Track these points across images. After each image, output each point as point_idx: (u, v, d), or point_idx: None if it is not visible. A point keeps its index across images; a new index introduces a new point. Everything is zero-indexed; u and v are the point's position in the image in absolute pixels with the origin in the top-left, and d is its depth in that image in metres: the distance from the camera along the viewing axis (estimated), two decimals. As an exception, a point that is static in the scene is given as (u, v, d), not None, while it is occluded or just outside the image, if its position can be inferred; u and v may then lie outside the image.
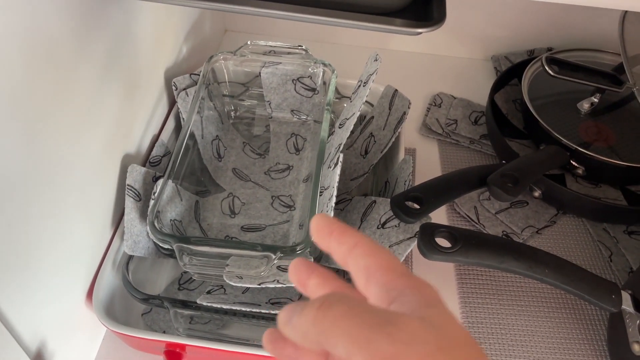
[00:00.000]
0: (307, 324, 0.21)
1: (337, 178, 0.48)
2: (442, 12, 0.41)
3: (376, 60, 0.56)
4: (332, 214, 0.46)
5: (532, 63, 0.72)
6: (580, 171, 0.64)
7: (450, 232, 0.47)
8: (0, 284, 0.35)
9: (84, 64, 0.43)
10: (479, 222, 0.64)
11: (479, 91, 0.79)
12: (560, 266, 0.47)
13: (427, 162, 0.72)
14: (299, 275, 0.26)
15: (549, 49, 0.82)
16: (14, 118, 0.34)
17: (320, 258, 0.51)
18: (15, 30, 0.33)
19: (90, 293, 0.48)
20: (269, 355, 0.45)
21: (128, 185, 0.51)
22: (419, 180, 0.55)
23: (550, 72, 0.64)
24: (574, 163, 0.63)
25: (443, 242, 0.47)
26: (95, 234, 0.49)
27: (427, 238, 0.46)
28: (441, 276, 0.60)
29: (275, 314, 0.47)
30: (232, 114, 0.68)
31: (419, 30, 0.41)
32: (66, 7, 0.39)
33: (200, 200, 0.59)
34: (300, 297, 0.54)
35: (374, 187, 0.62)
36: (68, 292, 0.46)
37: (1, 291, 0.35)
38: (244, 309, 0.47)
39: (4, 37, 0.32)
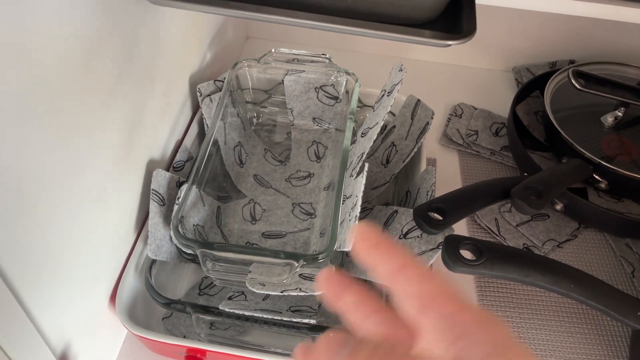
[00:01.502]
0: None
1: (362, 187, 0.48)
2: (473, 24, 0.41)
3: (401, 70, 0.56)
4: (356, 223, 0.46)
5: (555, 75, 0.71)
6: (603, 185, 0.63)
7: (475, 244, 0.47)
8: (30, 286, 0.35)
9: (113, 70, 0.43)
10: (499, 234, 0.63)
11: (499, 102, 0.79)
12: (586, 281, 0.46)
13: (447, 173, 0.72)
14: (333, 287, 0.24)
15: (572, 61, 0.82)
16: (48, 124, 0.35)
17: (342, 267, 0.51)
18: (55, 34, 0.34)
19: (113, 296, 0.49)
20: (289, 363, 0.45)
21: (153, 189, 0.52)
22: (439, 190, 0.55)
23: (577, 85, 0.63)
24: (596, 177, 0.63)
25: (467, 255, 0.47)
26: (119, 237, 0.49)
27: (452, 250, 0.46)
28: (461, 288, 0.59)
29: (297, 322, 0.47)
30: (254, 120, 0.69)
31: (449, 42, 0.41)
32: (100, 13, 0.40)
33: (222, 206, 0.59)
34: (320, 306, 0.54)
35: (395, 196, 0.61)
36: (92, 294, 0.46)
37: (30, 294, 0.35)
38: (265, 316, 0.47)
39: (45, 41, 0.33)
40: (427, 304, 0.20)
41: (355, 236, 0.23)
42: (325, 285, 0.24)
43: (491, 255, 0.46)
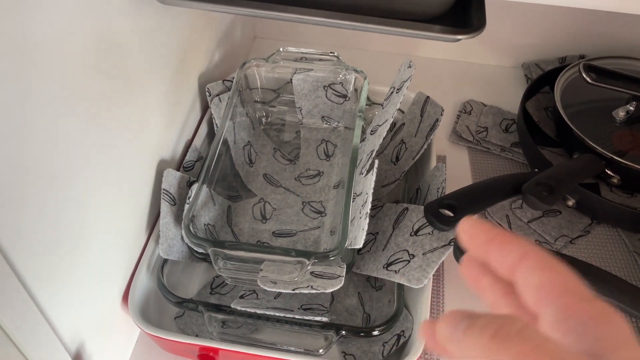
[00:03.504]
0: (476, 348, 0.18)
1: (372, 184, 0.48)
2: (482, 19, 0.41)
3: (410, 67, 0.56)
4: (367, 220, 0.46)
5: (565, 70, 0.71)
6: (615, 180, 0.62)
7: (486, 240, 0.46)
8: (44, 287, 0.35)
9: (123, 71, 0.44)
10: (511, 230, 0.63)
11: (509, 99, 0.79)
12: (601, 277, 0.46)
13: (457, 170, 0.71)
14: (473, 271, 0.24)
15: (582, 57, 0.81)
16: (60, 127, 0.35)
17: (353, 265, 0.51)
18: (67, 33, 0.34)
19: (125, 296, 0.49)
20: (301, 361, 0.45)
21: (164, 189, 0.52)
22: (450, 187, 0.55)
23: (588, 79, 0.63)
24: (609, 172, 0.62)
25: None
26: (130, 237, 0.49)
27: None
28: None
29: (309, 320, 0.47)
30: (263, 120, 0.69)
31: (459, 37, 0.41)
32: (112, 14, 0.40)
33: (232, 205, 0.59)
34: (332, 303, 0.54)
35: (405, 194, 0.61)
36: (105, 294, 0.46)
37: (45, 294, 0.36)
38: (277, 314, 0.47)
39: (59, 40, 0.33)
40: (544, 294, 0.20)
41: (462, 234, 0.23)
42: (466, 270, 0.24)
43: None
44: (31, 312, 0.34)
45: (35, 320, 0.35)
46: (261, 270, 0.47)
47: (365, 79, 0.62)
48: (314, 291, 0.46)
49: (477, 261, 0.23)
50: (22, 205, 0.32)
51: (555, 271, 0.20)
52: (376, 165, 0.49)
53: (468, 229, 0.22)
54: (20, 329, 0.32)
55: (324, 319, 0.47)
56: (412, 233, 0.52)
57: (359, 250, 0.55)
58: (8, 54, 0.29)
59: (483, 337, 0.18)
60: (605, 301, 0.44)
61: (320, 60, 0.64)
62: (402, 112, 0.66)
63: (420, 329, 0.24)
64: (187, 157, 0.59)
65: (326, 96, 0.65)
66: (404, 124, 0.64)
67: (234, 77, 0.63)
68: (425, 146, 0.60)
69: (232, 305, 0.48)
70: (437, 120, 0.61)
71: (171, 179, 0.53)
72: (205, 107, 0.66)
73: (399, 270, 0.50)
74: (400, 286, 0.50)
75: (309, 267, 0.47)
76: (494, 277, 0.23)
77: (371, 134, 0.56)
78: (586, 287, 0.20)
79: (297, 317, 0.47)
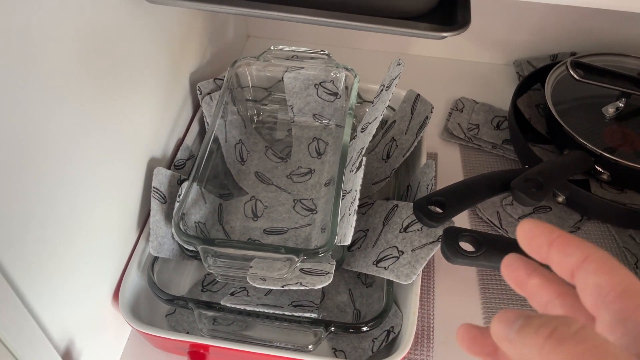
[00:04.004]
0: (531, 348, 0.18)
1: (360, 181, 0.48)
2: (467, 16, 0.41)
3: (399, 64, 0.56)
4: (354, 217, 0.46)
5: (555, 67, 0.71)
6: (605, 176, 0.63)
7: (474, 236, 0.47)
8: (31, 283, 0.36)
9: (112, 68, 0.44)
10: (501, 227, 0.63)
11: (500, 96, 0.79)
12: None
13: (448, 167, 0.71)
14: (517, 273, 0.23)
15: (573, 54, 0.82)
16: (50, 125, 0.35)
17: (342, 262, 0.51)
18: (55, 31, 0.35)
19: (116, 293, 0.49)
20: (291, 357, 0.45)
21: (154, 187, 0.52)
22: (441, 185, 0.55)
23: (575, 76, 0.63)
24: (598, 168, 0.62)
25: (467, 246, 0.47)
26: (121, 235, 0.50)
27: (450, 242, 0.46)
28: (463, 281, 0.60)
29: (299, 316, 0.47)
30: (255, 118, 0.69)
31: (444, 34, 0.41)
32: (100, 11, 0.40)
33: (224, 203, 0.59)
34: (322, 300, 0.55)
35: (395, 191, 0.62)
36: (95, 292, 0.46)
37: (33, 291, 0.36)
38: (267, 310, 0.48)
39: (46, 37, 0.34)
40: (601, 297, 0.20)
41: (521, 236, 0.22)
42: (509, 272, 0.24)
43: (490, 246, 0.46)
44: (18, 310, 0.34)
45: (22, 318, 0.35)
46: (251, 267, 0.47)
47: (355, 76, 0.62)
48: (303, 287, 0.46)
49: (521, 263, 0.23)
50: (10, 202, 0.32)
51: (616, 273, 0.20)
52: (364, 162, 0.49)
53: (529, 230, 0.22)
54: (6, 327, 0.32)
55: (313, 316, 0.48)
56: (402, 230, 0.52)
57: (350, 247, 0.55)
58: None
59: (539, 337, 0.18)
60: None
61: (312, 58, 0.64)
62: (393, 109, 0.66)
63: (458, 332, 0.23)
64: (179, 156, 0.59)
65: (317, 94, 0.65)
66: (394, 121, 0.64)
67: (225, 76, 0.63)
68: (416, 143, 0.60)
69: (222, 302, 0.48)
70: (427, 117, 0.61)
71: (161, 177, 0.53)
72: (196, 106, 0.66)
73: (388, 267, 0.50)
74: (390, 282, 0.51)
75: (298, 264, 0.47)
76: (544, 278, 0.23)
77: (361, 132, 0.57)
78: None
79: (286, 313, 0.48)
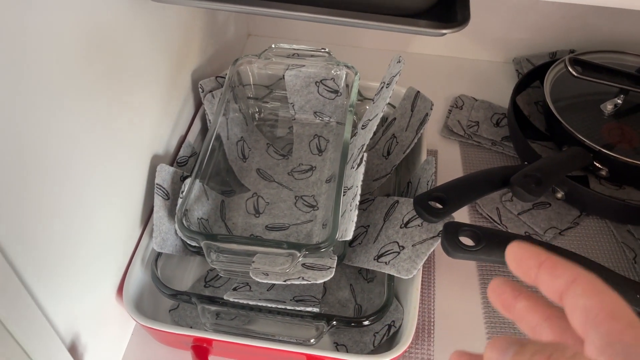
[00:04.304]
0: None
1: (361, 177, 0.48)
2: (466, 13, 0.42)
3: (399, 62, 0.56)
4: (356, 212, 0.47)
5: (554, 65, 0.72)
6: (603, 172, 0.63)
7: (473, 230, 0.47)
8: (41, 280, 0.36)
9: (116, 66, 0.44)
10: (501, 223, 0.64)
11: (500, 93, 0.80)
12: (584, 265, 0.47)
13: (448, 164, 0.72)
14: (503, 296, 0.24)
15: (571, 51, 0.82)
16: (52, 122, 0.36)
17: (344, 257, 0.52)
18: (58, 30, 0.35)
19: (120, 289, 0.50)
20: (293, 350, 0.46)
21: (157, 184, 0.53)
22: (442, 181, 0.55)
23: (573, 73, 0.64)
24: (597, 164, 0.63)
25: (467, 241, 0.48)
26: (125, 231, 0.50)
27: (450, 236, 0.47)
28: (463, 275, 0.60)
29: (301, 311, 0.48)
30: (256, 115, 0.70)
31: (444, 31, 0.41)
32: (103, 10, 0.41)
33: (226, 200, 0.60)
34: (324, 295, 0.55)
35: (396, 187, 0.62)
36: (100, 287, 0.47)
37: (41, 286, 0.36)
38: (269, 305, 0.48)
39: (47, 36, 0.34)
40: (589, 319, 0.20)
41: (511, 258, 0.23)
42: (496, 296, 0.24)
43: (489, 241, 0.47)
44: (28, 305, 0.35)
45: (32, 313, 0.35)
46: (253, 262, 0.48)
47: (356, 74, 0.62)
48: (305, 282, 0.47)
49: (508, 286, 0.24)
50: (18, 198, 0.33)
51: (604, 296, 0.20)
52: (365, 158, 0.50)
53: (518, 252, 0.23)
54: (15, 320, 0.33)
55: (315, 310, 0.48)
56: (402, 225, 0.53)
57: (351, 242, 0.55)
58: (2, 52, 0.30)
59: None
60: None
61: (312, 56, 0.64)
62: (394, 107, 0.67)
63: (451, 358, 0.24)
64: (181, 153, 0.60)
65: (318, 92, 0.66)
66: (395, 118, 0.65)
67: (226, 74, 0.64)
68: (416, 140, 0.61)
69: (225, 297, 0.49)
70: (427, 114, 0.61)
71: (164, 173, 0.54)
72: (198, 104, 0.67)
73: (389, 262, 0.51)
74: (391, 277, 0.51)
75: (300, 259, 0.47)
76: (532, 301, 0.23)
77: (362, 129, 0.57)
78: (634, 314, 0.20)
79: (288, 308, 0.48)
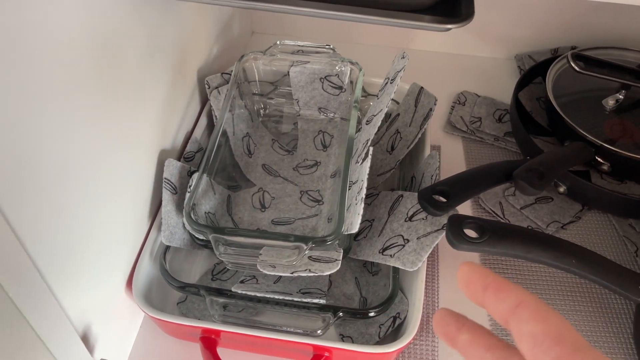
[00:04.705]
0: None
1: (367, 171, 0.49)
2: (471, 8, 0.42)
3: (403, 57, 0.57)
4: (362, 205, 0.48)
5: (556, 61, 0.72)
6: (605, 167, 0.64)
7: (478, 223, 0.48)
8: (55, 272, 0.37)
9: (126, 64, 0.45)
10: (504, 217, 0.65)
11: (502, 90, 0.80)
12: (586, 257, 0.47)
13: (451, 159, 0.73)
14: (447, 329, 0.24)
15: (573, 48, 0.83)
16: (67, 117, 0.37)
17: (349, 250, 0.52)
18: (72, 27, 0.36)
19: (129, 281, 0.51)
20: (300, 341, 0.47)
21: (165, 178, 0.53)
22: (445, 176, 0.56)
23: (576, 68, 0.64)
24: (599, 159, 0.64)
25: (471, 233, 0.48)
26: (133, 225, 0.51)
27: (455, 229, 0.48)
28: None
29: (307, 302, 0.49)
30: (262, 112, 0.70)
31: (449, 26, 0.42)
32: (114, 9, 0.42)
33: (232, 195, 0.61)
34: (329, 288, 0.56)
35: (400, 182, 0.63)
36: (109, 280, 0.48)
37: (55, 279, 0.37)
38: (276, 297, 0.49)
39: (66, 34, 0.35)
40: (537, 345, 0.20)
41: (460, 280, 0.23)
42: (440, 327, 0.24)
43: (494, 233, 0.47)
44: (46, 298, 0.36)
45: (50, 306, 0.36)
46: (260, 254, 0.49)
47: (360, 70, 0.63)
48: (312, 274, 0.47)
49: (452, 318, 0.24)
50: (36, 195, 0.34)
51: (550, 320, 0.20)
52: (371, 151, 0.50)
53: (465, 274, 0.23)
54: (35, 313, 0.34)
55: (322, 302, 0.49)
56: (407, 219, 0.54)
57: (356, 236, 0.56)
58: (8, 49, 0.31)
59: None
60: (593, 281, 0.45)
61: (317, 52, 0.65)
62: (397, 102, 0.67)
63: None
64: (188, 148, 0.61)
65: (322, 88, 0.67)
66: (398, 114, 0.66)
67: (232, 70, 0.64)
68: (420, 135, 0.62)
69: (233, 289, 0.50)
70: (430, 110, 0.62)
71: (172, 168, 0.54)
72: (204, 100, 0.67)
73: (394, 255, 0.51)
74: (396, 270, 0.52)
75: (307, 252, 0.48)
76: (474, 333, 0.23)
77: (366, 124, 0.58)
78: (580, 337, 0.20)
79: (295, 299, 0.49)
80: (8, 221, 0.31)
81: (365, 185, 0.49)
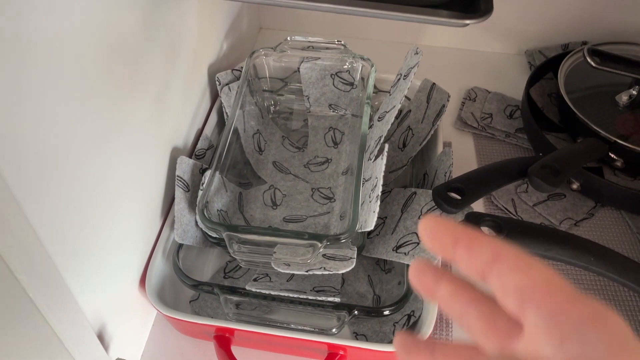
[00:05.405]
0: None
1: (382, 168, 0.49)
2: (489, 4, 0.42)
3: (417, 53, 0.57)
4: (377, 203, 0.47)
5: (568, 56, 0.72)
6: (619, 164, 0.64)
7: (495, 220, 0.48)
8: (72, 271, 0.37)
9: (137, 61, 0.45)
10: (516, 214, 0.64)
11: (512, 85, 0.80)
12: (605, 254, 0.47)
13: (462, 156, 0.72)
14: (424, 279, 0.22)
15: (584, 43, 0.82)
16: (80, 117, 0.36)
17: (363, 248, 0.52)
18: (86, 29, 0.35)
19: (142, 279, 0.50)
20: (315, 339, 0.46)
21: (178, 176, 0.53)
22: (456, 173, 0.56)
23: (592, 63, 0.64)
24: (612, 155, 0.63)
25: (488, 231, 0.48)
26: (146, 223, 0.51)
27: (473, 226, 0.47)
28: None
29: (321, 300, 0.48)
30: (272, 108, 0.70)
31: (467, 21, 0.42)
32: (123, 6, 0.41)
33: (244, 192, 0.60)
34: (342, 286, 0.56)
35: (413, 179, 0.62)
36: (123, 278, 0.47)
37: (73, 278, 0.37)
38: (290, 295, 0.49)
39: (80, 34, 0.34)
40: (527, 298, 0.18)
41: (423, 235, 0.21)
42: (416, 279, 0.22)
43: (511, 230, 0.47)
44: (65, 296, 0.35)
45: (68, 303, 0.36)
46: (274, 252, 0.48)
47: (372, 66, 0.63)
48: (327, 272, 0.47)
49: (429, 269, 0.22)
50: (54, 195, 0.33)
51: (535, 270, 0.18)
52: (386, 149, 0.50)
53: (429, 228, 0.20)
54: (53, 312, 0.33)
55: (337, 300, 0.49)
56: (421, 216, 0.53)
57: (369, 234, 0.56)
58: (17, 49, 0.30)
59: None
60: (611, 279, 0.44)
61: (327, 48, 0.65)
62: (409, 99, 0.67)
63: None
64: (199, 146, 0.60)
65: (333, 84, 0.66)
66: (410, 110, 0.65)
67: (242, 67, 0.64)
68: (432, 132, 0.61)
69: (247, 287, 0.49)
70: (443, 106, 0.62)
71: (184, 166, 0.54)
72: (214, 96, 0.67)
73: (408, 252, 0.51)
74: (410, 267, 0.51)
75: (321, 250, 0.48)
76: (454, 285, 0.21)
77: (379, 121, 0.57)
78: (571, 285, 0.18)
79: (310, 297, 0.49)
80: (29, 222, 0.30)
81: (380, 182, 0.48)
